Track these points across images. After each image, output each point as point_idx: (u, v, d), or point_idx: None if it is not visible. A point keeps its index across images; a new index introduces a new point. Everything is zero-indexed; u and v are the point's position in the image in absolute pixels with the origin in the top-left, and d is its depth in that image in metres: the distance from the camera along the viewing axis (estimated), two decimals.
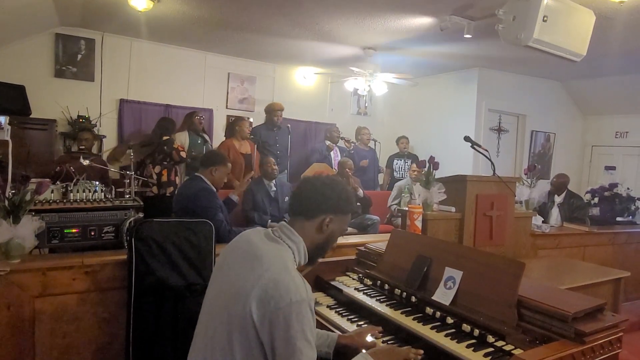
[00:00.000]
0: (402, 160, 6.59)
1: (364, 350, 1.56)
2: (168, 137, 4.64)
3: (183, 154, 4.61)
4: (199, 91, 6.24)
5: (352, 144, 6.40)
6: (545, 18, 3.02)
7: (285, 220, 1.56)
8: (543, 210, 4.52)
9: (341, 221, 1.55)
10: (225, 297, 1.36)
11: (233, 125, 5.56)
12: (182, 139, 5.14)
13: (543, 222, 3.79)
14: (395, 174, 6.63)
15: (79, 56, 5.40)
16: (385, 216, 5.54)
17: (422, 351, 1.56)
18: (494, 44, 4.74)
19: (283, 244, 1.45)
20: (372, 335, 1.72)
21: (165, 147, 4.50)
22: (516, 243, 3.17)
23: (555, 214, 4.46)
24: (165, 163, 4.55)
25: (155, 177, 4.43)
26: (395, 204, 5.42)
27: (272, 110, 5.81)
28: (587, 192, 4.92)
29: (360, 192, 5.18)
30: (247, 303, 1.26)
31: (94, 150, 5.28)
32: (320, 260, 1.60)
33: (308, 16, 4.41)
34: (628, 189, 4.76)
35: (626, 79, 6.16)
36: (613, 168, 7.10)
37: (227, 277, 1.41)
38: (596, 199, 4.70)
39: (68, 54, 5.34)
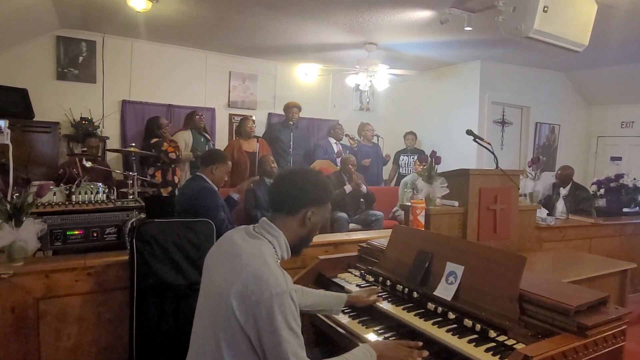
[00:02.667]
0: (408, 156, 6.57)
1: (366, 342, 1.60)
2: (157, 140, 4.64)
3: (173, 155, 4.57)
4: (200, 90, 6.25)
5: (356, 141, 6.37)
6: (545, 8, 2.98)
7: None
8: (548, 203, 4.48)
9: (323, 211, 1.57)
10: (210, 300, 1.39)
11: (240, 125, 5.60)
12: (185, 138, 5.15)
13: (548, 214, 3.76)
14: (401, 169, 6.59)
15: (81, 58, 5.42)
16: (389, 212, 5.52)
17: (426, 352, 1.55)
18: (495, 36, 4.69)
19: (263, 239, 1.46)
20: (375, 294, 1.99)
21: (153, 150, 4.50)
22: (521, 236, 3.14)
23: (560, 207, 4.43)
24: (159, 164, 4.55)
25: (149, 178, 4.44)
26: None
27: (286, 108, 5.88)
28: (592, 184, 4.87)
29: (364, 188, 5.16)
30: (228, 301, 1.28)
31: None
32: (304, 249, 1.61)
33: (308, 10, 4.39)
34: (634, 179, 4.71)
35: (631, 68, 6.07)
36: (619, 159, 7.03)
37: (210, 280, 1.44)
38: (602, 190, 4.66)
39: (69, 56, 5.36)
